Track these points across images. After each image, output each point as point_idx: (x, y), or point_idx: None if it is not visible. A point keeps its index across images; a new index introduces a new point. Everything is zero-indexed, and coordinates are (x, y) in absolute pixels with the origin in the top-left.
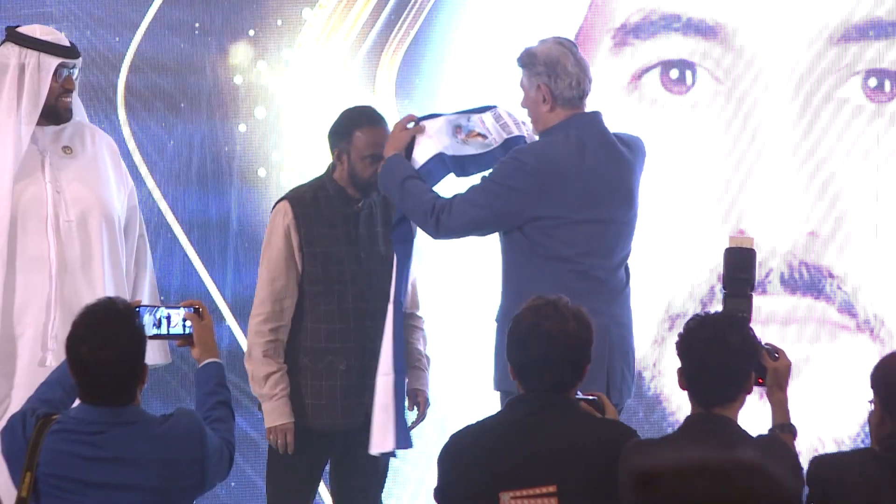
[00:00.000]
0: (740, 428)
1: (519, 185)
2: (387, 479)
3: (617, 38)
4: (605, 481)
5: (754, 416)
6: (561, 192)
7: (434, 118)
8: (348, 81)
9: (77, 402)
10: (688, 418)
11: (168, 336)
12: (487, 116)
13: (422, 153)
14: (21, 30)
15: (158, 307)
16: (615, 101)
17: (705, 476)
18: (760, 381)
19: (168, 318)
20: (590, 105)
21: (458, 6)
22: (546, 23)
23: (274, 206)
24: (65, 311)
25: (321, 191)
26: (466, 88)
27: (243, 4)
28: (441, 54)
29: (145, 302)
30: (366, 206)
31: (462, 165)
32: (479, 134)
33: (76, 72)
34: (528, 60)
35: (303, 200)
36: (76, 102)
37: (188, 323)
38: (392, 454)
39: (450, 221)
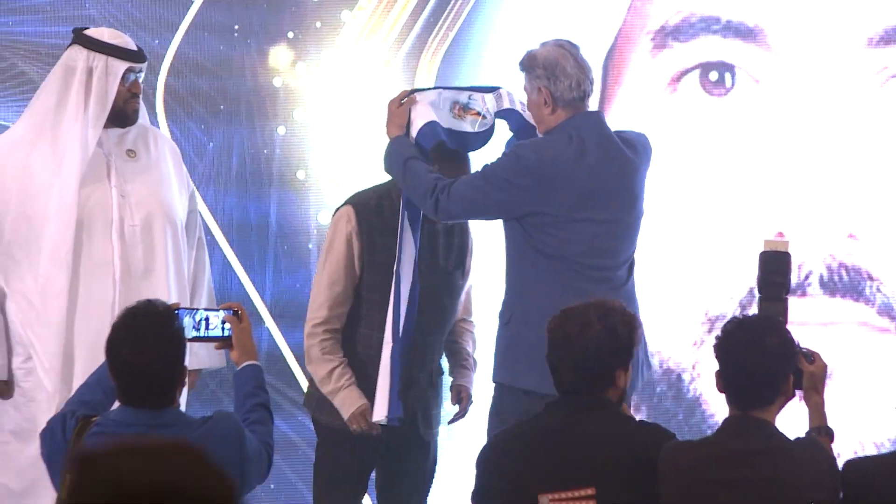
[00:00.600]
0: (777, 430)
1: (515, 179)
2: (431, 486)
3: (656, 41)
4: (643, 484)
5: (792, 419)
6: (558, 189)
7: (427, 91)
8: (387, 83)
9: (116, 405)
10: (725, 420)
11: (207, 338)
12: (489, 97)
13: (416, 122)
14: (88, 32)
15: (197, 310)
16: (654, 103)
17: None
18: (796, 384)
19: (207, 320)
20: (628, 106)
21: (496, 8)
22: (585, 24)
23: (336, 210)
24: None
25: (385, 198)
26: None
27: (282, 6)
28: (480, 56)
29: (203, 306)
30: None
31: (464, 141)
32: (478, 112)
33: (142, 75)
34: (529, 64)
35: (367, 207)
36: (141, 106)
37: (227, 325)
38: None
39: (448, 204)
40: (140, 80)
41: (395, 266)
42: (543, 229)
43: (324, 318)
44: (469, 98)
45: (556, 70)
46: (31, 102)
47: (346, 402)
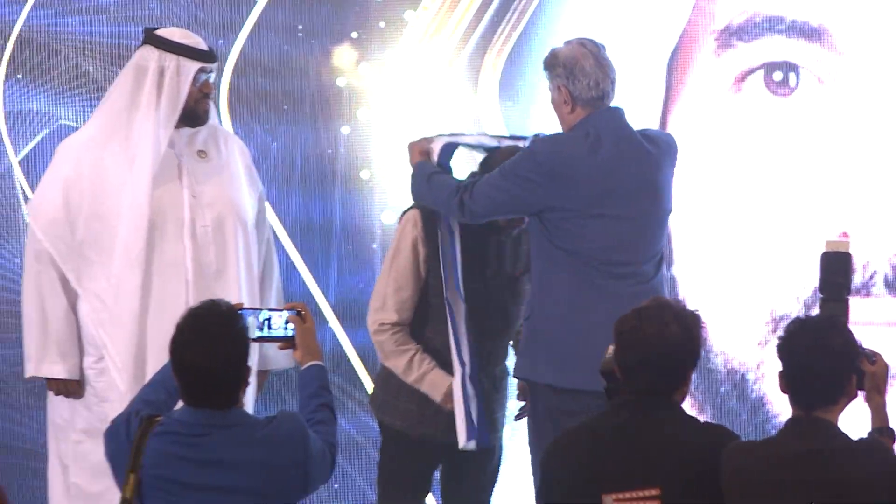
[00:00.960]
0: (840, 431)
1: (530, 174)
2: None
3: (720, 40)
4: (707, 485)
5: (855, 419)
6: (572, 185)
7: (452, 135)
8: (451, 83)
9: (180, 403)
10: (788, 421)
11: (271, 338)
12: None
13: (436, 147)
14: (160, 33)
15: (261, 310)
16: (719, 103)
17: None
18: (858, 384)
19: (270, 320)
20: (692, 106)
21: (561, 7)
22: (649, 24)
23: (403, 213)
24: None
25: None
26: None
27: (346, 6)
28: (544, 57)
29: (272, 306)
30: (496, 223)
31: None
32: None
33: (213, 75)
34: (551, 62)
35: (434, 212)
36: (211, 106)
37: (290, 325)
38: (477, 447)
39: (472, 204)
40: (211, 81)
41: (444, 294)
42: (561, 225)
43: (392, 322)
44: (499, 143)
45: (574, 69)
46: (102, 102)
47: (434, 385)
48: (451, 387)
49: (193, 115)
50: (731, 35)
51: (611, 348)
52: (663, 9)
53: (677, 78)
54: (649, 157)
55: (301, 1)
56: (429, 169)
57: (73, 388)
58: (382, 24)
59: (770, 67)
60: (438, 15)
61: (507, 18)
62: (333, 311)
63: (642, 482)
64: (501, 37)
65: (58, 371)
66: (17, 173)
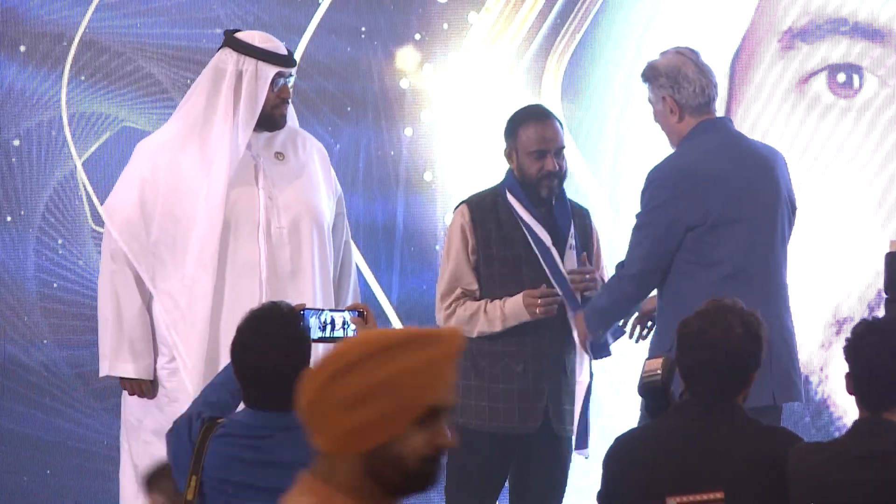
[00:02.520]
0: None
1: (661, 202)
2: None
3: (784, 42)
4: (771, 487)
5: None
6: (699, 197)
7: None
8: (514, 85)
9: (242, 406)
10: (856, 422)
11: (333, 339)
12: None
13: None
14: (239, 36)
15: (323, 310)
16: (782, 104)
17: None
18: None
19: (332, 321)
20: (756, 108)
21: (623, 9)
22: (712, 26)
23: (454, 210)
24: None
25: (500, 195)
26: (633, 92)
27: (409, 8)
28: (607, 58)
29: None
30: (544, 212)
31: None
32: None
33: (292, 80)
34: (651, 74)
35: (481, 203)
36: (289, 108)
37: (352, 326)
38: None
39: (629, 270)
40: (290, 85)
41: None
42: (697, 238)
43: (452, 306)
44: None
45: (678, 77)
46: (182, 104)
47: (514, 308)
48: (526, 295)
49: (270, 119)
50: (795, 37)
51: (655, 361)
52: (727, 10)
53: (741, 79)
54: (766, 164)
55: (364, 3)
56: (599, 305)
57: (145, 388)
58: (446, 26)
59: (833, 69)
60: (501, 17)
61: (570, 20)
62: (396, 311)
63: (706, 485)
64: (564, 39)
65: (130, 370)
66: (81, 175)
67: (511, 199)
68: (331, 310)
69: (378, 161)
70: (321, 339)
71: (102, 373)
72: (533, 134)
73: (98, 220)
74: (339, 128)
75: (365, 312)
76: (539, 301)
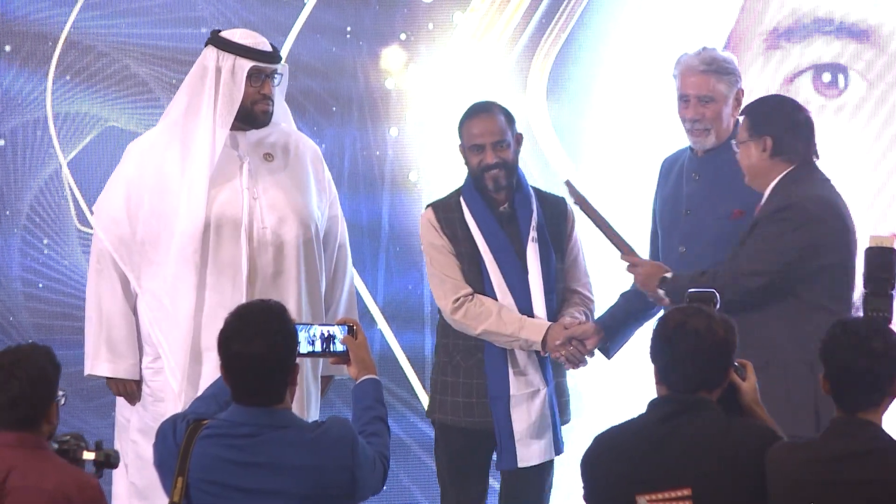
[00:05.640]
0: (884, 432)
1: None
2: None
3: (769, 42)
4: (743, 483)
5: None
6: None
7: None
8: (499, 84)
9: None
10: (832, 422)
11: (323, 354)
12: None
13: None
14: (223, 33)
15: (312, 325)
16: None
17: None
18: None
19: (322, 336)
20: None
21: (609, 10)
22: (697, 25)
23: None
24: None
25: (467, 193)
26: (617, 92)
27: (395, 8)
28: (592, 58)
29: (341, 311)
30: (508, 207)
31: None
32: None
33: (279, 78)
34: (732, 67)
35: (446, 205)
36: (283, 109)
37: (341, 341)
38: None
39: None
40: (276, 83)
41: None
42: None
43: (463, 294)
44: None
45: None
46: (171, 104)
47: (536, 327)
48: (552, 330)
49: (250, 115)
50: (780, 37)
51: None
52: (712, 10)
53: None
54: None
55: (349, 3)
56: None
57: (130, 388)
58: (431, 26)
59: (819, 69)
60: (487, 16)
61: (556, 20)
62: (382, 312)
63: (674, 482)
64: (550, 38)
65: (107, 370)
66: (66, 175)
67: (463, 204)
68: (320, 324)
69: (363, 161)
70: (310, 354)
71: (86, 371)
72: (471, 128)
73: (83, 221)
74: (324, 128)
75: (355, 328)
76: (563, 353)
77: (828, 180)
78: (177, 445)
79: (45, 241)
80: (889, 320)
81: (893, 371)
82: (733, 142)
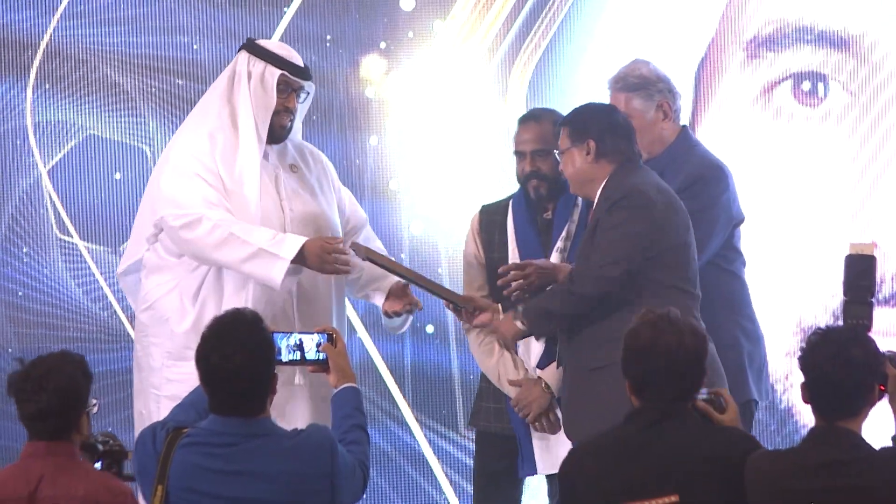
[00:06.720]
0: (863, 440)
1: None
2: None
3: (749, 50)
4: (726, 491)
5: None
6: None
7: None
8: (480, 92)
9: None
10: (811, 431)
11: (302, 362)
12: None
13: None
14: (258, 41)
15: (291, 333)
16: (747, 112)
17: None
18: (882, 388)
19: (301, 344)
20: (721, 116)
21: (588, 18)
22: (677, 34)
23: None
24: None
25: (516, 197)
26: (597, 99)
27: (375, 17)
28: (573, 65)
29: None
30: (551, 215)
31: None
32: None
33: (305, 96)
34: (642, 82)
35: (494, 208)
36: (295, 125)
37: (321, 349)
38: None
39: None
40: (300, 100)
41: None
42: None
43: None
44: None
45: (670, 83)
46: (201, 106)
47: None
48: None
49: (270, 128)
50: (760, 45)
51: None
52: (691, 19)
53: (706, 88)
54: None
55: (329, 11)
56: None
57: (329, 243)
58: (411, 35)
59: (798, 77)
60: (467, 24)
61: (536, 28)
62: (362, 321)
63: (660, 489)
64: (530, 47)
65: (296, 241)
66: (46, 183)
67: (510, 208)
68: (300, 332)
69: (343, 170)
70: (290, 363)
71: (289, 259)
72: (518, 134)
73: (63, 229)
74: (304, 136)
75: (334, 336)
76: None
77: (653, 173)
78: (156, 452)
79: (25, 250)
80: (869, 328)
81: (873, 380)
82: (556, 152)
